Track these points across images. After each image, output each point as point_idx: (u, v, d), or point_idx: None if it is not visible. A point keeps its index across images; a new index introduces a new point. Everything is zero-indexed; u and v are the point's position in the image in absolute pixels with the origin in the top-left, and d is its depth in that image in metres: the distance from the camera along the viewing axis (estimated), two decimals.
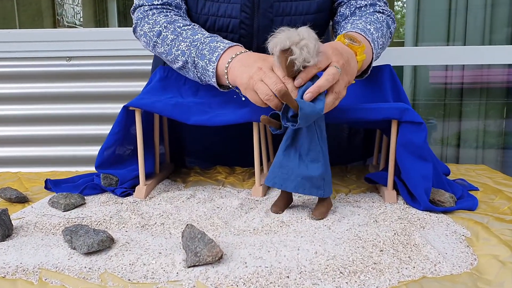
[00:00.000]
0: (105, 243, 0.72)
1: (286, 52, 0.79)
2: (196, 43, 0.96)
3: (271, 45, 0.80)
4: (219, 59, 0.92)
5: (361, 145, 1.22)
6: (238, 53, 0.91)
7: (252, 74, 0.84)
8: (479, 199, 0.93)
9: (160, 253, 0.70)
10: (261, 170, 1.03)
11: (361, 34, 0.95)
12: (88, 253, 0.71)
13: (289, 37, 0.78)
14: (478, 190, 1.01)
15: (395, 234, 0.76)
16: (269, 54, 0.83)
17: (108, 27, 5.59)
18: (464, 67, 2.20)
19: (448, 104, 2.28)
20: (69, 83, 2.01)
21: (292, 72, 0.81)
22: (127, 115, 1.00)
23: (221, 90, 0.96)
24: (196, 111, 0.97)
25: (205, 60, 0.93)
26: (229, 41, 0.96)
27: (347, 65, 0.83)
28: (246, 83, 0.85)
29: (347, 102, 0.96)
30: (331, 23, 1.19)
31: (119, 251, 0.71)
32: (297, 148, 0.84)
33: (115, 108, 1.97)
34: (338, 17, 1.12)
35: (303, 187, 0.83)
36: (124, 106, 0.97)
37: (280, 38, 0.78)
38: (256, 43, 1.10)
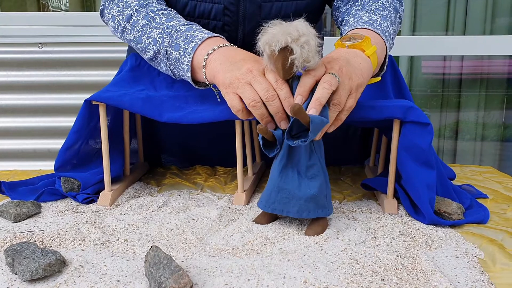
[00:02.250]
0: (53, 268, 0.60)
1: (285, 51, 0.67)
2: (170, 30, 0.83)
3: (264, 41, 0.67)
4: (195, 50, 0.79)
5: (358, 145, 1.10)
6: (221, 45, 0.78)
7: (239, 74, 0.72)
8: (489, 209, 0.82)
9: (118, 281, 0.58)
10: (245, 172, 0.91)
11: (368, 29, 0.82)
12: (32, 280, 0.59)
13: (288, 33, 0.65)
14: (488, 197, 0.90)
15: (398, 256, 0.64)
16: (256, 49, 0.71)
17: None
18: (460, 57, 2.09)
19: (444, 95, 2.17)
20: (41, 71, 1.86)
21: (289, 75, 0.69)
22: (90, 110, 0.87)
23: (196, 87, 0.84)
24: (170, 106, 0.85)
25: (179, 51, 0.81)
26: (209, 31, 0.83)
27: (347, 66, 0.71)
28: (229, 83, 0.72)
29: None
30: (325, 9, 1.07)
31: (69, 277, 0.59)
32: (294, 167, 0.73)
33: None
34: (338, 2, 0.99)
35: (307, 209, 0.72)
36: (85, 100, 0.84)
37: (275, 34, 0.66)
38: (242, 32, 0.97)
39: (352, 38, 0.78)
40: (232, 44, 0.80)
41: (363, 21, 0.85)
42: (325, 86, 0.68)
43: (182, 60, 0.80)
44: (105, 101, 0.83)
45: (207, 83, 0.80)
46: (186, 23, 0.84)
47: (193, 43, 0.79)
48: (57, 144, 1.85)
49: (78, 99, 1.86)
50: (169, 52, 0.82)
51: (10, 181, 0.94)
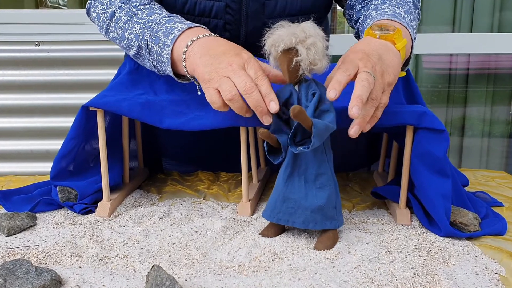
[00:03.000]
0: None
1: (290, 52, 0.63)
2: (150, 24, 0.79)
3: (269, 43, 0.65)
4: (174, 42, 0.75)
5: (365, 148, 1.06)
6: (200, 35, 0.74)
7: (219, 69, 0.68)
8: (506, 219, 0.78)
9: None
10: (249, 179, 0.87)
11: (393, 21, 0.78)
12: None
13: (294, 34, 0.62)
14: (503, 205, 0.86)
15: (415, 274, 0.60)
16: (259, 48, 0.67)
17: None
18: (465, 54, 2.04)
19: (448, 91, 2.12)
20: (38, 71, 1.82)
21: (295, 78, 0.66)
22: (87, 116, 0.83)
23: (180, 81, 0.80)
24: (171, 112, 0.80)
25: (159, 44, 0.76)
26: (190, 22, 0.79)
27: (380, 63, 0.67)
28: (209, 78, 0.69)
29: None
30: (333, 8, 1.03)
31: None
32: (301, 175, 0.69)
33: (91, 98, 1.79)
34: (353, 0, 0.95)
35: (314, 221, 0.68)
36: (82, 106, 0.80)
37: (281, 35, 0.64)
38: (244, 31, 0.93)
39: (383, 29, 0.74)
40: (213, 34, 0.76)
41: (387, 13, 0.81)
42: (365, 84, 0.63)
43: (162, 54, 0.76)
44: (103, 107, 0.79)
45: (188, 76, 0.76)
46: (167, 15, 0.80)
47: (172, 35, 0.75)
48: (55, 145, 1.81)
49: (77, 99, 1.82)
50: (150, 47, 0.78)
51: (5, 189, 0.91)
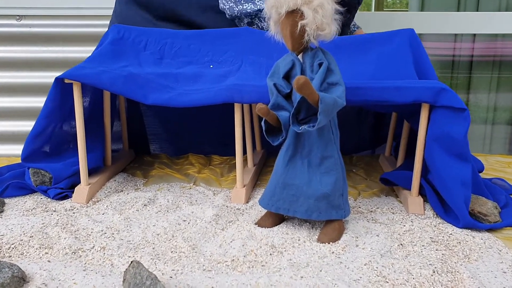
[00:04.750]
0: (9, 287, 0.48)
1: (294, 15, 0.55)
2: None
3: (271, 4, 0.57)
4: None
5: (371, 130, 0.97)
6: None
7: None
8: None
9: None
10: (244, 162, 0.79)
11: None
12: None
13: None
14: None
15: (434, 272, 0.53)
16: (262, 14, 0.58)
17: None
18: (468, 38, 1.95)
19: (453, 77, 2.04)
20: (19, 47, 1.71)
21: (299, 45, 0.57)
22: (63, 89, 0.74)
23: None
24: (157, 86, 0.72)
25: None
26: None
27: None
28: None
29: (359, 78, 0.72)
30: None
31: None
32: (304, 158, 0.60)
33: None
34: None
35: (318, 210, 0.60)
36: (56, 78, 0.71)
37: None
38: None
39: None
40: None
41: None
42: None
43: None
44: (80, 79, 0.70)
45: None
46: None
47: None
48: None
49: None
50: None
51: None
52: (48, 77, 1.71)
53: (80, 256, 0.57)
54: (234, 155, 0.73)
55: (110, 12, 1.67)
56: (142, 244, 0.59)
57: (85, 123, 0.82)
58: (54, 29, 1.70)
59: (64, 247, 0.58)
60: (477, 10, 1.82)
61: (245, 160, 0.86)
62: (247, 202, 0.73)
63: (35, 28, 1.69)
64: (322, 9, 0.55)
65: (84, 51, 1.71)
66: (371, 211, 0.70)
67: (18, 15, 1.67)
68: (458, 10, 1.85)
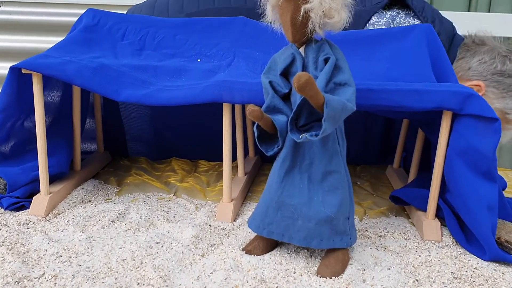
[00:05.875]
0: None
1: None
2: None
3: None
4: None
5: (378, 138, 0.87)
6: None
7: None
8: None
9: None
10: (233, 170, 0.69)
11: None
12: None
13: None
14: None
15: None
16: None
17: None
18: None
19: None
20: None
21: (301, 35, 0.46)
22: (20, 82, 0.63)
23: None
24: (131, 81, 0.61)
25: None
26: None
27: None
28: None
29: (370, 79, 0.62)
30: None
31: None
32: (304, 172, 0.50)
33: None
34: None
35: (319, 236, 0.50)
36: (11, 68, 0.60)
37: None
38: None
39: None
40: None
41: None
42: None
43: None
44: (41, 70, 0.59)
45: None
46: None
47: None
48: None
49: None
50: None
51: None
52: None
53: (25, 286, 0.46)
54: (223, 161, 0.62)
55: (97, 1, 1.57)
56: (103, 272, 0.49)
57: (55, 121, 0.72)
58: (36, 17, 1.59)
59: (6, 275, 0.47)
60: (489, 11, 1.72)
61: (235, 167, 0.76)
62: (235, 220, 0.62)
63: (15, 16, 1.58)
64: None
65: None
66: (379, 236, 0.59)
67: None
68: (468, 11, 1.76)
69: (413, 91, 0.55)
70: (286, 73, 0.50)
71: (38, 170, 0.64)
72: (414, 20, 0.84)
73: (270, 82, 0.50)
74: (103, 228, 0.58)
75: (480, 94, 0.86)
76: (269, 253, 0.53)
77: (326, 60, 0.47)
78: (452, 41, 0.86)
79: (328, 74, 0.46)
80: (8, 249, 0.52)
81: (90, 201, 0.67)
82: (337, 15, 0.46)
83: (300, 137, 0.46)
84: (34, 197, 0.62)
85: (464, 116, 0.55)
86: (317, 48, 0.48)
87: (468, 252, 0.56)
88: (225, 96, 0.58)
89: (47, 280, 0.47)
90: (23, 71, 0.59)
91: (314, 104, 0.44)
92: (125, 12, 0.99)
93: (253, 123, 0.49)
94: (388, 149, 0.86)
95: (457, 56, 0.86)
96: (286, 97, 0.51)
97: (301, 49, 0.49)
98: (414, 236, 0.60)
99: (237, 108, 0.69)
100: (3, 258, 0.50)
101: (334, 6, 0.45)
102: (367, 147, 0.86)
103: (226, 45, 0.73)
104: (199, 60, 0.71)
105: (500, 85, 0.82)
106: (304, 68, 0.49)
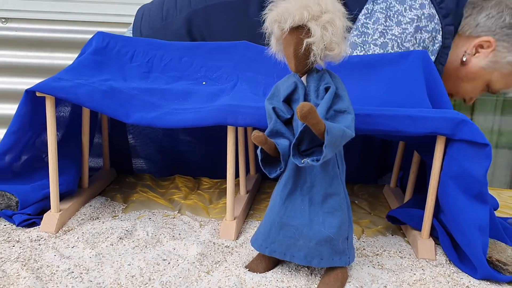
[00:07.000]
0: None
1: (300, 31, 0.48)
2: None
3: (273, 18, 0.49)
4: None
5: (375, 158, 0.90)
6: None
7: None
8: None
9: None
10: (236, 188, 0.71)
11: None
12: None
13: (306, 7, 0.47)
14: None
15: None
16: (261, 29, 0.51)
17: None
18: None
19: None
20: (4, 51, 1.63)
21: (303, 66, 0.50)
22: (33, 103, 0.66)
23: None
24: (141, 103, 0.64)
25: None
26: None
27: None
28: None
29: (367, 103, 0.65)
30: None
31: None
32: (305, 194, 0.53)
33: None
34: None
35: (319, 255, 0.52)
36: (26, 91, 0.63)
37: (289, 8, 0.47)
38: None
39: None
40: None
41: None
42: None
43: None
44: (54, 93, 0.62)
45: None
46: None
47: None
48: None
49: None
50: None
51: None
52: (33, 84, 1.63)
53: None
54: (225, 177, 0.65)
55: (99, 18, 1.61)
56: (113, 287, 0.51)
57: (64, 140, 0.75)
58: (42, 33, 1.63)
59: None
60: None
61: (236, 185, 0.78)
62: (237, 238, 0.64)
63: (21, 32, 1.61)
64: (332, 26, 0.48)
65: (72, 58, 1.63)
66: (377, 254, 0.62)
67: (4, 18, 1.60)
68: None
69: (409, 116, 0.58)
70: (288, 100, 0.53)
71: (47, 188, 0.66)
72: None
73: (274, 108, 0.53)
74: (112, 245, 0.60)
75: (490, 49, 0.86)
76: (271, 270, 0.55)
77: (327, 89, 0.51)
78: (458, 1, 0.83)
79: (329, 102, 0.50)
80: (22, 265, 0.54)
81: (98, 218, 0.69)
82: (338, 48, 0.49)
83: (302, 161, 0.49)
84: (45, 214, 0.65)
85: (456, 141, 0.58)
86: (319, 78, 0.51)
87: (460, 271, 0.59)
88: (230, 120, 0.61)
89: None
90: (37, 94, 0.62)
91: (316, 131, 0.47)
92: (131, 17, 1.02)
93: (257, 146, 0.52)
94: (386, 169, 0.89)
95: (463, 14, 0.83)
96: (288, 122, 0.54)
97: (303, 78, 0.52)
98: (410, 255, 0.62)
99: (240, 129, 0.72)
100: (18, 274, 0.52)
101: (335, 40, 0.48)
102: (364, 166, 0.89)
103: (229, 68, 0.76)
104: (204, 83, 0.74)
105: (511, 38, 0.80)
106: (306, 96, 0.52)
